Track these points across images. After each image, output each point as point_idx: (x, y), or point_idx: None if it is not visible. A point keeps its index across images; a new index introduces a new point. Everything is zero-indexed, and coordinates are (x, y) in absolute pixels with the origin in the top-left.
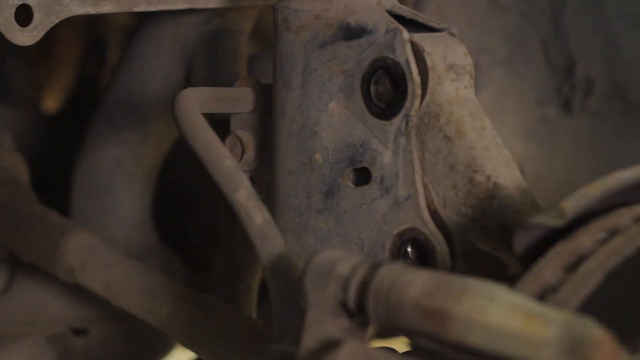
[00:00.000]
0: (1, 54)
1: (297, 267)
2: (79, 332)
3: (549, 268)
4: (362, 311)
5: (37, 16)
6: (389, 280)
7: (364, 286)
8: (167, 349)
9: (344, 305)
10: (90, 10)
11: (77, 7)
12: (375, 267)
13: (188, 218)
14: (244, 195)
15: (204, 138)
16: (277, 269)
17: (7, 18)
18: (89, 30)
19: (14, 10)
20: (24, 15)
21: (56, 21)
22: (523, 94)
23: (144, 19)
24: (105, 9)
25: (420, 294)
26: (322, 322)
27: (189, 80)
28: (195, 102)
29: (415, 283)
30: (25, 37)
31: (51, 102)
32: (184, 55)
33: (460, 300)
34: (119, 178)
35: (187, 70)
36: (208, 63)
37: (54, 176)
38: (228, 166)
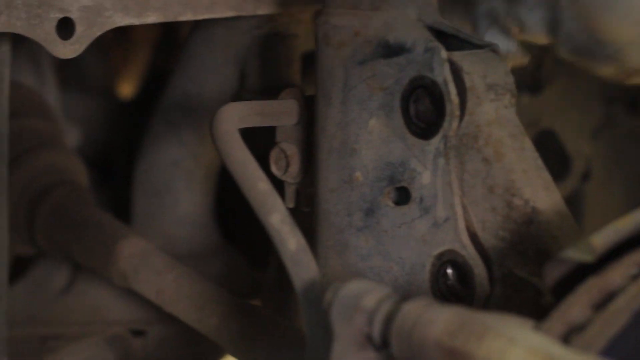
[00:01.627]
0: None
1: (325, 298)
2: (138, 333)
3: (576, 306)
4: (387, 345)
5: (79, 29)
6: (412, 317)
7: (389, 321)
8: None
9: (369, 338)
10: (135, 21)
11: (120, 19)
12: (401, 301)
13: (250, 215)
14: (277, 220)
15: (239, 159)
16: (309, 295)
17: (48, 32)
18: None
19: (55, 24)
20: (65, 28)
21: (99, 33)
22: (588, 92)
23: (197, 21)
24: (150, 19)
25: (442, 332)
26: (347, 356)
27: (243, 84)
28: (234, 120)
29: (438, 321)
30: (67, 50)
31: (126, 89)
32: (237, 59)
33: (481, 341)
34: (178, 177)
35: (241, 73)
36: (261, 67)
37: (127, 165)
38: (262, 189)
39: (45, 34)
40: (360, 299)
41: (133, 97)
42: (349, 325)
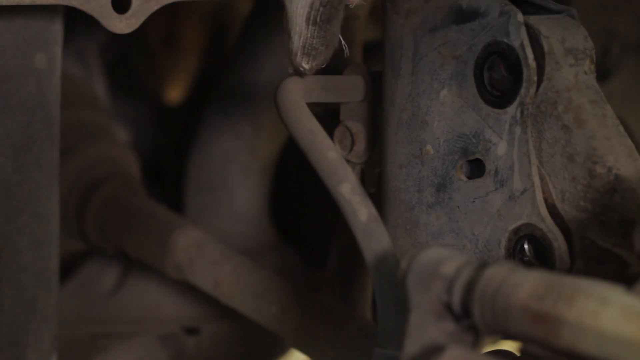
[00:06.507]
0: (125, 44)
1: (400, 266)
2: (191, 330)
3: None
4: (468, 314)
5: (135, 3)
6: (496, 282)
7: (470, 287)
8: (282, 349)
9: (448, 307)
10: None
11: None
12: (482, 267)
13: (305, 214)
14: (348, 189)
15: (308, 129)
16: (381, 268)
17: (103, 5)
18: (214, 18)
19: None
20: (121, 1)
21: (156, 7)
22: None
23: (255, 7)
24: None
25: (529, 296)
26: (425, 326)
27: None
28: (300, 91)
29: (524, 284)
30: (122, 24)
31: (174, 93)
32: None
33: (571, 303)
34: (233, 172)
35: None
36: None
37: (175, 167)
38: (332, 158)
39: (100, 7)
40: (438, 266)
41: (180, 102)
42: (426, 294)
